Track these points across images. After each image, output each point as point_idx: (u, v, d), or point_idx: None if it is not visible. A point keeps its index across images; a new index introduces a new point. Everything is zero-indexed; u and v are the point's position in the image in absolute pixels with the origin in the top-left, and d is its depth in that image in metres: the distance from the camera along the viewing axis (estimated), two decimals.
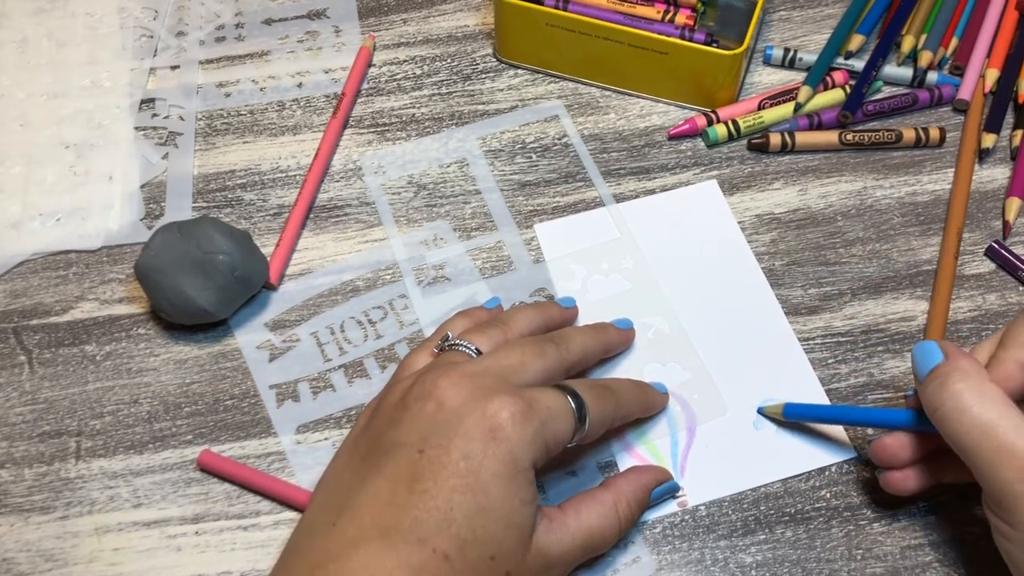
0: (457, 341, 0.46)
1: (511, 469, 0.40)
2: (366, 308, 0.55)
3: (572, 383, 0.45)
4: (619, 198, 0.59)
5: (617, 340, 0.52)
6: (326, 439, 0.51)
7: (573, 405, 0.43)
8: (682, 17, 0.60)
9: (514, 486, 0.40)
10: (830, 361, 0.53)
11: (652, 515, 0.48)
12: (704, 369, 0.52)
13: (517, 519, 0.40)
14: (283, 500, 0.49)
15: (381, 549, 0.38)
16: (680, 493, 0.48)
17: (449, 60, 0.65)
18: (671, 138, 0.61)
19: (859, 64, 0.63)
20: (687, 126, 0.61)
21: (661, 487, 0.47)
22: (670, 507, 0.48)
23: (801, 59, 0.63)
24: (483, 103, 0.63)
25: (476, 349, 0.45)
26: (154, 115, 0.63)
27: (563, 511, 0.44)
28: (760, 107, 0.61)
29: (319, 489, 0.44)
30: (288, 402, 0.52)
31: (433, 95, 0.63)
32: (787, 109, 0.61)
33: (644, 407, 0.49)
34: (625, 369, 0.52)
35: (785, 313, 0.54)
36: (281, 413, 0.52)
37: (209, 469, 0.50)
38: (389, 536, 0.39)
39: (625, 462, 0.49)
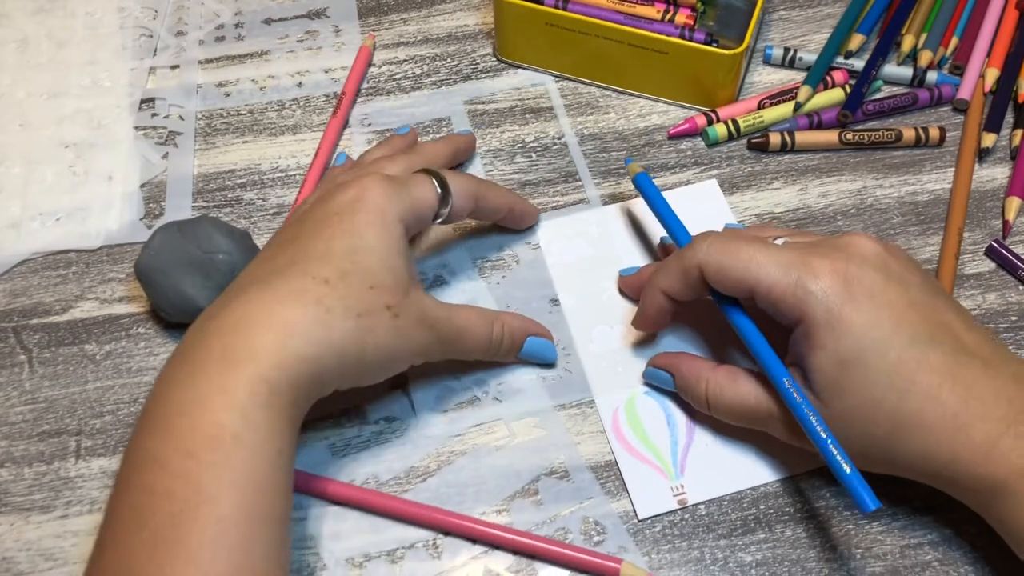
0: (372, 170, 0.51)
1: (380, 218, 0.45)
2: None
3: (433, 168, 0.50)
4: (619, 198, 0.58)
5: (464, 145, 0.59)
6: (326, 439, 0.51)
7: (434, 179, 0.49)
8: (682, 17, 0.60)
9: (385, 233, 0.45)
10: None
11: (651, 514, 0.48)
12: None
13: (392, 261, 0.45)
14: None
15: (262, 289, 0.43)
16: (680, 491, 0.48)
17: (449, 60, 0.65)
18: (671, 137, 0.61)
19: (859, 64, 0.63)
20: (687, 126, 0.61)
21: (538, 341, 0.51)
22: (670, 506, 0.48)
23: (801, 59, 0.63)
24: (483, 103, 0.63)
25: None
26: (154, 115, 0.63)
27: (449, 304, 0.48)
28: (760, 107, 0.61)
29: None
30: None
31: (433, 95, 0.63)
32: (787, 109, 0.61)
33: (511, 205, 0.55)
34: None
35: None
36: None
37: None
38: (268, 279, 0.43)
39: (626, 461, 0.49)
